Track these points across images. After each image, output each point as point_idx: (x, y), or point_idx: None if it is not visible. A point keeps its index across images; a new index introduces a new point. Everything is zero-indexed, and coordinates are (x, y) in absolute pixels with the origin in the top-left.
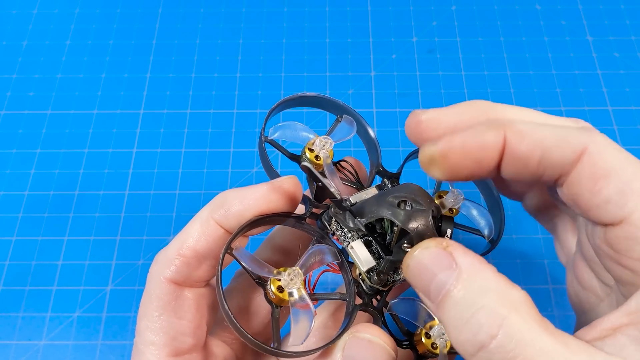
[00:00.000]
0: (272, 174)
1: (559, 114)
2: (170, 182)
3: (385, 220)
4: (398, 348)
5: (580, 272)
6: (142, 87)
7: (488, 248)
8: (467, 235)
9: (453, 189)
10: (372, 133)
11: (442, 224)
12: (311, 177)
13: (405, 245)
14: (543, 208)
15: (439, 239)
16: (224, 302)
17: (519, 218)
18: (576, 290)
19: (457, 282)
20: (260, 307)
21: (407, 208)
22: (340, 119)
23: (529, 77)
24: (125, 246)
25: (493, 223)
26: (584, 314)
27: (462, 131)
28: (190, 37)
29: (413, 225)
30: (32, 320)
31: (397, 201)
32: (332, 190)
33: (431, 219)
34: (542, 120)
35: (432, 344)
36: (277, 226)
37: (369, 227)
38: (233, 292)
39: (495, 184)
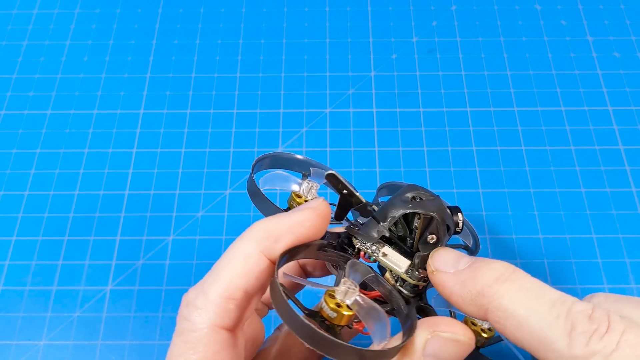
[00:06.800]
0: (271, 208)
1: (559, 114)
2: (170, 182)
3: (399, 225)
4: None
5: None
6: (142, 87)
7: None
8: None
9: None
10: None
11: (452, 210)
12: (337, 185)
13: (429, 236)
14: None
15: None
16: (277, 285)
17: (519, 218)
18: None
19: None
20: (300, 352)
21: (421, 200)
22: (306, 174)
23: (529, 77)
24: (125, 246)
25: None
26: None
27: None
28: (190, 37)
29: (434, 211)
30: (32, 320)
31: (410, 197)
32: (357, 194)
33: (444, 203)
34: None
35: (482, 329)
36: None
37: (384, 238)
38: (277, 340)
39: None
